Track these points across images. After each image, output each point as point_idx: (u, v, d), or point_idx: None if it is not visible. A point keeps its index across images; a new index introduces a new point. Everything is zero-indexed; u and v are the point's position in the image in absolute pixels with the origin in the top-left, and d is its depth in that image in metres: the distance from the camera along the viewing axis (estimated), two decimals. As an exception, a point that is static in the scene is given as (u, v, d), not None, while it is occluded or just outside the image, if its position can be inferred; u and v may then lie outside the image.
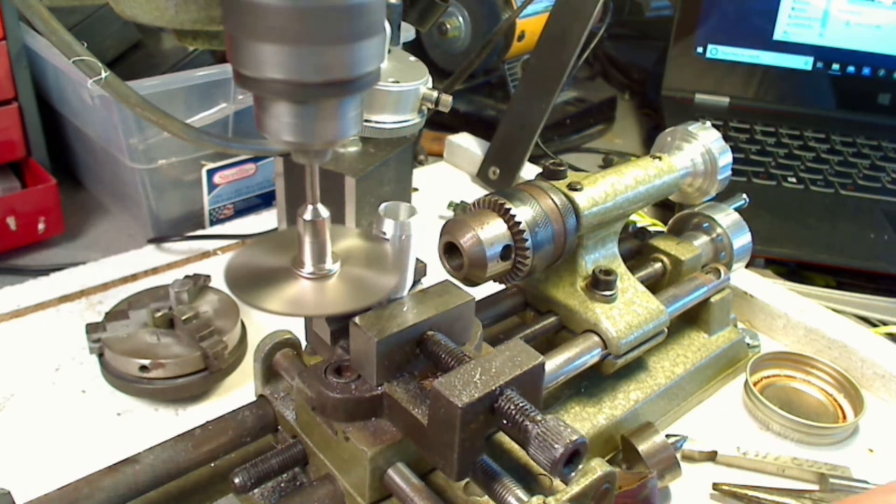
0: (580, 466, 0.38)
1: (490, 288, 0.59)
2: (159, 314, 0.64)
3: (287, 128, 0.34)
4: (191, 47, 0.42)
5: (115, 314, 0.65)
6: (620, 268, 0.62)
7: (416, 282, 0.47)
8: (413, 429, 0.42)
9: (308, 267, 0.40)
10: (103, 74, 0.49)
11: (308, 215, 0.39)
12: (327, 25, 0.30)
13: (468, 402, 0.38)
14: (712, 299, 0.68)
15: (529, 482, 0.46)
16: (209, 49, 0.43)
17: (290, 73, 0.31)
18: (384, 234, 0.43)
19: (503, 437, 0.47)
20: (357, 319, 0.43)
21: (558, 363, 0.55)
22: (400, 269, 0.43)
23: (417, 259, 0.47)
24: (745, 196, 0.75)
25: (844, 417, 0.67)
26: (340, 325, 0.46)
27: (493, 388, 0.39)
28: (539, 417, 0.38)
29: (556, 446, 0.37)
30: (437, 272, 0.54)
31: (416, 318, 0.44)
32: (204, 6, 0.35)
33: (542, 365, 0.41)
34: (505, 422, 0.39)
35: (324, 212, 0.39)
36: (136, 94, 0.54)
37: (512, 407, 0.39)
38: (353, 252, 0.43)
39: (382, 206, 0.43)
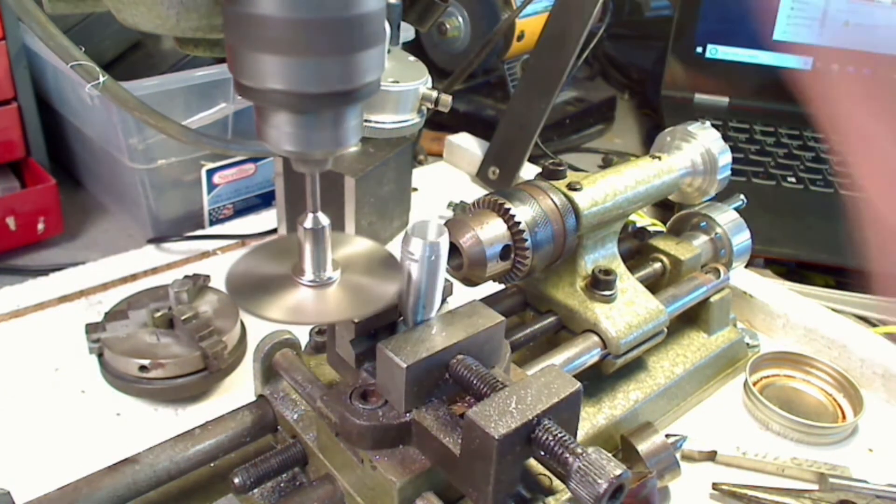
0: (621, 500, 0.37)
1: (490, 288, 0.59)
2: (159, 314, 0.64)
3: (287, 137, 0.34)
4: (192, 54, 0.42)
5: (114, 314, 0.65)
6: (620, 268, 0.62)
7: (442, 301, 0.45)
8: (444, 458, 0.41)
9: (308, 275, 0.40)
10: (101, 79, 0.49)
11: (308, 223, 0.39)
12: (328, 37, 0.30)
13: (505, 434, 0.36)
14: (712, 299, 0.68)
15: (529, 482, 0.46)
16: (210, 56, 0.43)
17: (291, 83, 0.31)
18: (412, 254, 0.41)
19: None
20: (384, 343, 0.42)
21: (558, 363, 0.55)
22: (401, 276, 0.42)
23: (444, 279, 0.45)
24: (742, 196, 0.75)
25: (844, 417, 0.67)
26: (365, 347, 0.45)
27: (530, 417, 0.37)
28: (580, 450, 0.36)
29: (599, 481, 0.35)
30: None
31: (445, 342, 0.42)
32: (205, 14, 0.35)
33: (579, 392, 0.40)
34: (542, 453, 0.38)
35: (324, 220, 0.39)
36: (134, 97, 0.54)
37: (550, 438, 0.37)
38: (354, 260, 0.42)
39: (411, 224, 0.42)
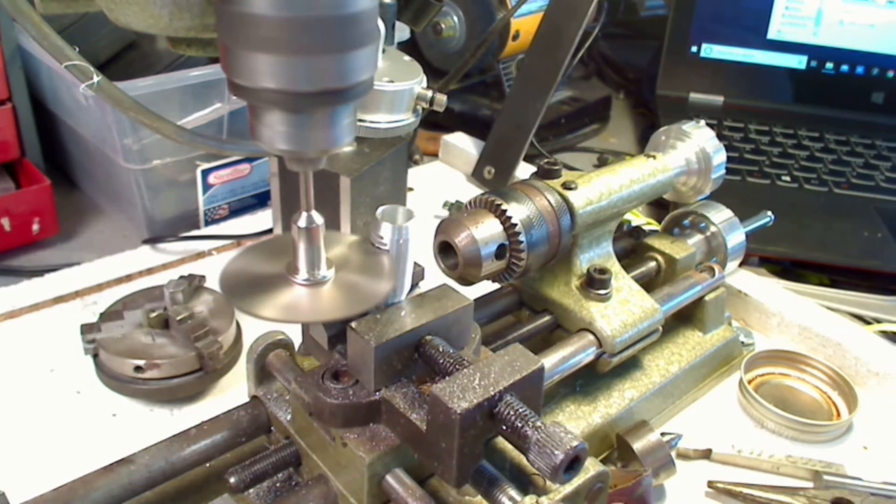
0: (580, 471, 0.38)
1: (485, 287, 0.59)
2: (154, 314, 0.64)
3: (281, 136, 0.34)
4: (185, 54, 0.42)
5: (109, 315, 0.65)
6: (615, 266, 0.62)
7: (413, 285, 0.47)
8: (411, 434, 0.42)
9: (303, 273, 0.40)
10: (95, 79, 0.49)
11: (302, 222, 0.39)
12: (321, 35, 0.30)
13: (467, 408, 0.37)
14: (707, 298, 0.68)
15: (523, 481, 0.46)
16: (203, 56, 0.43)
17: (284, 82, 0.31)
18: (381, 238, 0.42)
19: (500, 444, 0.47)
20: (354, 324, 0.43)
21: (553, 362, 0.55)
22: (396, 274, 0.43)
23: (415, 263, 0.47)
24: (770, 213, 0.75)
25: (838, 415, 0.67)
26: (337, 329, 0.46)
27: (493, 393, 0.39)
28: (539, 423, 0.38)
29: (556, 452, 0.36)
30: (433, 272, 0.54)
31: (413, 323, 0.44)
32: (198, 14, 0.35)
33: (541, 370, 0.41)
34: (504, 427, 0.39)
35: (318, 219, 0.39)
36: (129, 97, 0.54)
37: (511, 412, 0.38)
38: (348, 258, 0.43)
39: (380, 209, 0.43)
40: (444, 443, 0.39)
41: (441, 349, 0.44)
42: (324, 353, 0.47)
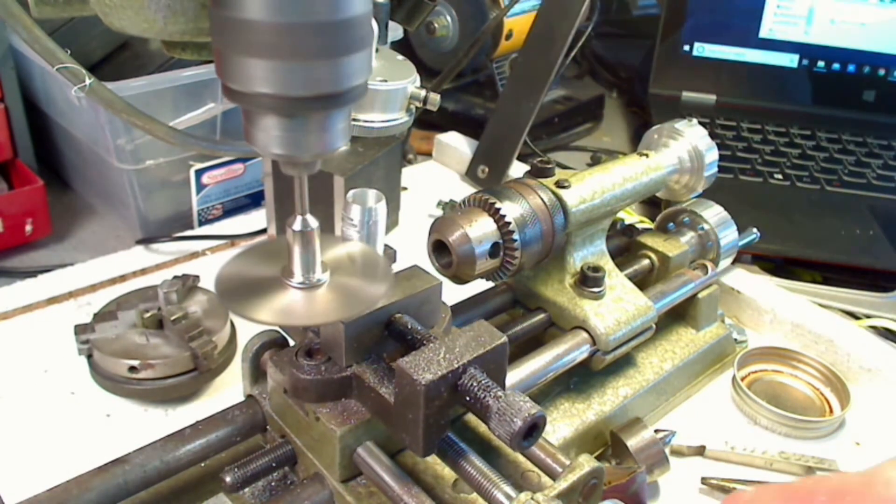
0: (538, 438, 0.40)
1: (479, 286, 0.59)
2: (148, 315, 0.64)
3: (276, 141, 0.34)
4: (179, 57, 0.42)
5: (103, 315, 0.65)
6: (608, 265, 0.62)
7: None
8: (381, 408, 0.44)
9: (298, 277, 0.40)
10: (87, 81, 0.49)
11: (297, 226, 0.39)
12: (315, 40, 0.30)
13: (431, 380, 0.39)
14: (700, 295, 0.68)
15: (518, 479, 0.46)
16: (197, 59, 0.43)
17: (279, 87, 0.31)
18: (352, 220, 0.44)
19: (497, 442, 0.47)
20: None
21: (547, 360, 0.55)
22: (390, 278, 0.43)
23: (387, 245, 0.48)
24: (755, 230, 0.75)
25: (831, 411, 0.67)
26: None
27: (457, 366, 0.40)
28: (500, 393, 0.39)
29: (515, 420, 0.38)
30: (430, 271, 0.54)
31: (383, 301, 0.46)
32: (192, 18, 0.35)
33: (504, 344, 0.43)
34: (468, 399, 0.40)
35: (313, 222, 0.39)
36: (121, 99, 0.54)
37: (475, 384, 0.40)
38: (343, 261, 0.43)
39: (350, 192, 0.45)
40: (410, 414, 0.40)
41: (410, 326, 0.45)
42: (298, 332, 0.50)
